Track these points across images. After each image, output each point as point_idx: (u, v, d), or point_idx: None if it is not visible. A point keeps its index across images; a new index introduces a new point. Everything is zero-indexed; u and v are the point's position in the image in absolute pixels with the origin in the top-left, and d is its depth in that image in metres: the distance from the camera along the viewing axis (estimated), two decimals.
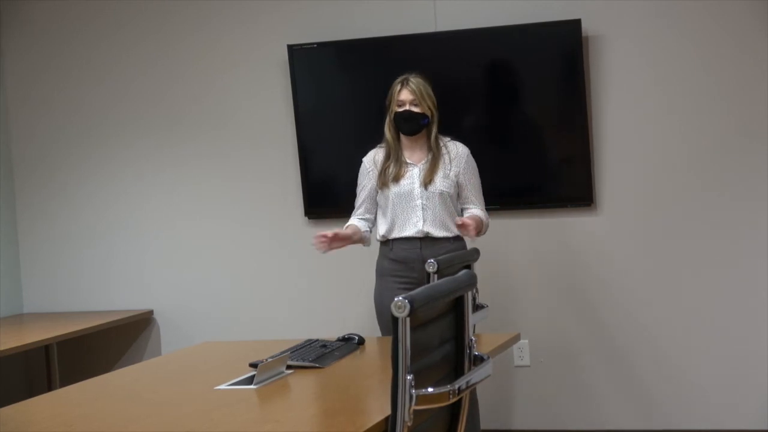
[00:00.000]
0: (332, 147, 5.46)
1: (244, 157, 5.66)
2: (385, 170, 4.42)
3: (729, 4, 5.02)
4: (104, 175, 5.86)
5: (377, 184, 4.45)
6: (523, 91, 5.27)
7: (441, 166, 4.41)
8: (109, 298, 5.86)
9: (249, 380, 3.22)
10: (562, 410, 5.30)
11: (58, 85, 5.90)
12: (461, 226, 4.29)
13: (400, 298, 2.36)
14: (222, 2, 5.64)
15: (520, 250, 5.32)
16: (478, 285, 2.88)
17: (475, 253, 4.24)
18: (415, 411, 2.43)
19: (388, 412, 2.47)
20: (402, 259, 4.39)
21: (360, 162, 4.54)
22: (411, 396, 2.41)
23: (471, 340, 2.76)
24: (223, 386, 3.21)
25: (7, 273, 5.89)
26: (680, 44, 5.09)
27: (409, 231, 4.37)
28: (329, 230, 4.36)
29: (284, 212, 5.59)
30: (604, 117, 5.18)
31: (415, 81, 4.41)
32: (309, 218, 5.52)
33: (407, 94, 4.39)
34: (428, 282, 3.71)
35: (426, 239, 4.37)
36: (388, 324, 4.24)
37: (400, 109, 4.39)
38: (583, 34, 5.10)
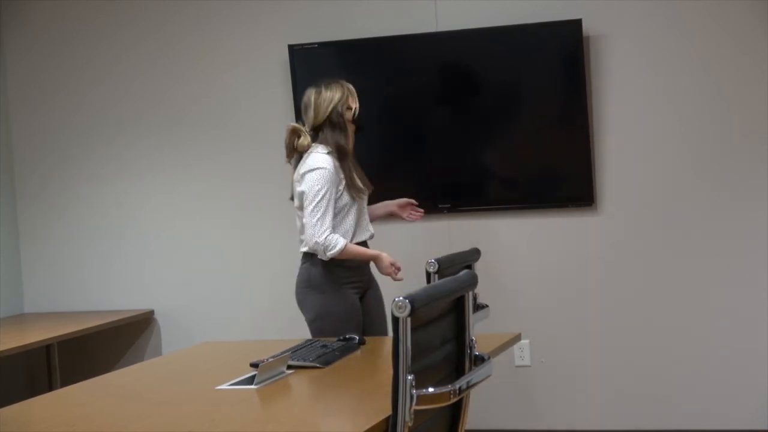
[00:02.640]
0: None
1: (244, 157, 5.66)
2: (353, 180, 4.29)
3: (729, 4, 5.02)
4: (104, 175, 5.86)
5: (349, 195, 4.28)
6: (523, 91, 5.27)
7: None
8: (109, 298, 5.86)
9: (250, 380, 3.22)
10: (563, 410, 5.30)
11: (58, 85, 5.90)
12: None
13: (401, 298, 2.36)
14: (222, 2, 5.64)
15: (521, 250, 5.32)
16: (479, 285, 2.88)
17: (476, 253, 4.24)
18: (415, 411, 2.44)
19: (388, 412, 2.47)
20: (357, 264, 4.30)
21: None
22: (412, 396, 2.41)
23: (472, 340, 2.76)
24: (224, 386, 3.20)
25: (7, 273, 5.89)
26: (680, 44, 5.10)
27: (366, 235, 4.37)
28: (392, 260, 4.27)
29: (285, 212, 5.57)
30: (604, 117, 5.18)
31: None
32: None
33: (355, 99, 4.35)
34: (428, 282, 3.71)
35: (367, 240, 4.39)
36: (381, 328, 4.27)
37: (357, 111, 4.32)
38: (584, 34, 5.10)
